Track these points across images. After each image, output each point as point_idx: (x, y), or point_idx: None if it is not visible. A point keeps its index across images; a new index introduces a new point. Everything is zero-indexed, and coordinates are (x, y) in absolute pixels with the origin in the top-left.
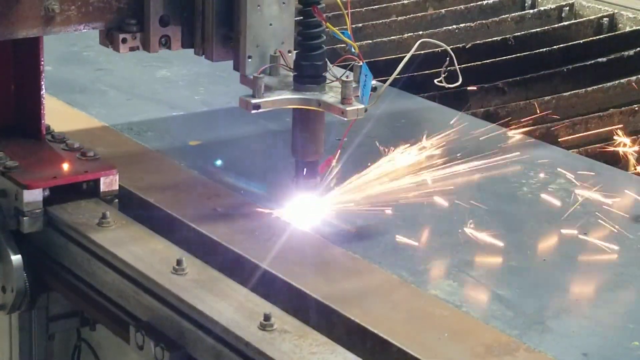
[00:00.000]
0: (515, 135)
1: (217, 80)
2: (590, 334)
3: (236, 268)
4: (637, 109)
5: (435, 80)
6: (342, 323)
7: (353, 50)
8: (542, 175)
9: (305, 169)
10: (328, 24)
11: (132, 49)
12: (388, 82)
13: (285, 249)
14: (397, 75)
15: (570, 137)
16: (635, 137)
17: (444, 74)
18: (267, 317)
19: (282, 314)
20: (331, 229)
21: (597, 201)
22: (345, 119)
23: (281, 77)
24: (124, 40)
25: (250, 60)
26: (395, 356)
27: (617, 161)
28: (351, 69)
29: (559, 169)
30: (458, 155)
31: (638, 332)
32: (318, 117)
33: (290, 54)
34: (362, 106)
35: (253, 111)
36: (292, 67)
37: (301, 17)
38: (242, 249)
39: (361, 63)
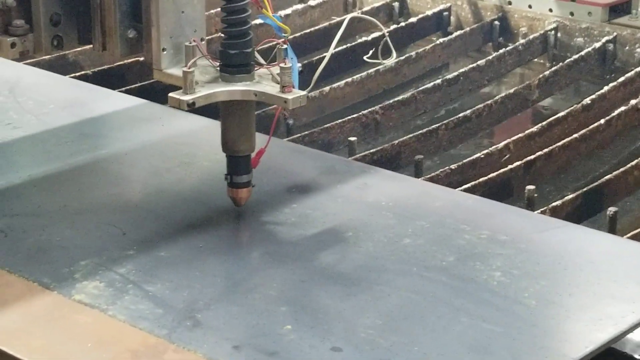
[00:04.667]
0: None
1: None
2: (241, 323)
3: None
4: None
5: (365, 57)
6: None
7: (283, 33)
8: None
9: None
10: (266, 6)
11: (22, 53)
12: (325, 61)
13: None
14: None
15: None
16: None
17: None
18: None
19: None
20: None
21: None
22: (290, 108)
23: (201, 69)
24: (13, 45)
25: (165, 52)
26: None
27: None
28: (274, 55)
29: None
30: None
31: (290, 314)
32: (249, 108)
33: (203, 42)
34: (304, 93)
35: (187, 109)
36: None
37: (225, 2)
38: None
39: (285, 46)
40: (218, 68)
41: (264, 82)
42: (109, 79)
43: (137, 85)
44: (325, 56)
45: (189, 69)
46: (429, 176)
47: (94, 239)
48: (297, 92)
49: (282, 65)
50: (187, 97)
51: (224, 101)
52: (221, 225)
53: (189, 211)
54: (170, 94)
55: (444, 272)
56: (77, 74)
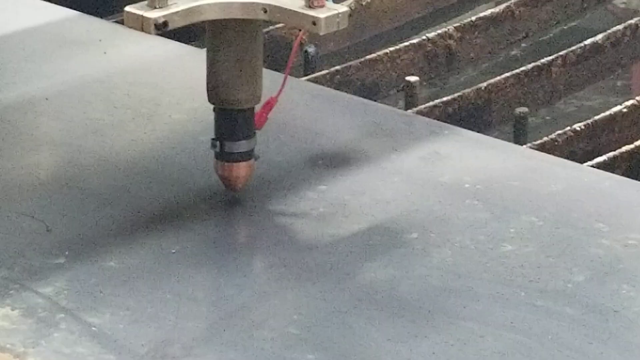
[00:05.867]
0: None
1: None
2: None
3: None
4: None
5: None
6: None
7: None
8: None
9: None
10: None
11: None
12: None
13: None
14: None
15: None
16: None
17: None
18: None
19: None
20: None
21: None
22: (321, 32)
23: None
24: None
25: None
26: None
27: None
28: None
29: None
30: None
31: None
32: (254, 33)
33: None
34: (345, 9)
35: (155, 32)
36: None
37: None
38: None
39: None
40: None
41: None
42: None
43: None
44: None
45: None
46: (538, 142)
47: (0, 238)
48: (333, 7)
49: None
50: (156, 14)
51: (213, 21)
52: (206, 220)
53: (153, 196)
54: (128, 8)
55: (569, 300)
56: None
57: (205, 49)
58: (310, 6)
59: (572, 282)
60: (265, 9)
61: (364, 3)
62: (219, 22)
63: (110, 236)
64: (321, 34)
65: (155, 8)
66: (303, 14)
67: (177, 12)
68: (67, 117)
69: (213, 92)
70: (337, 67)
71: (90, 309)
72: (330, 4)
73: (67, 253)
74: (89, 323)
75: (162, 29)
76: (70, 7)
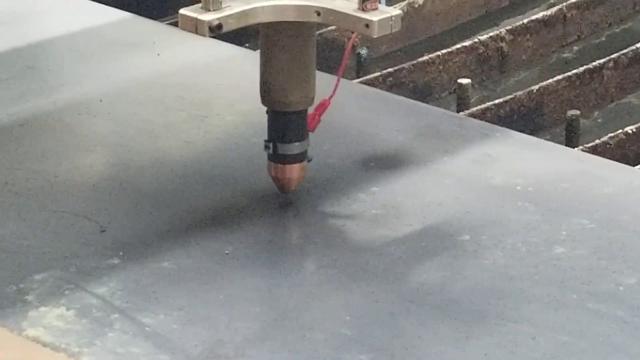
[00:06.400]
0: None
1: None
2: None
3: None
4: None
5: None
6: None
7: None
8: None
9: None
10: None
11: None
12: None
13: None
14: None
15: None
16: None
17: None
18: None
19: None
20: None
21: None
22: (374, 35)
23: None
24: None
25: None
26: None
27: None
28: None
29: None
30: None
31: None
32: (308, 35)
33: None
34: (398, 12)
35: (209, 35)
36: None
37: None
38: None
39: None
40: None
41: None
42: None
43: None
44: None
45: None
46: (590, 144)
47: (55, 239)
48: (386, 10)
49: None
50: (210, 16)
51: (267, 23)
52: (259, 222)
53: (207, 197)
54: (182, 11)
55: (620, 302)
56: None
57: (257, 51)
58: (363, 9)
59: (623, 285)
60: (318, 11)
61: (416, 6)
62: (272, 25)
63: (163, 237)
64: (374, 37)
65: (209, 11)
66: (356, 16)
67: (231, 14)
68: (121, 118)
69: (266, 94)
70: (390, 70)
71: (144, 310)
72: (383, 7)
73: (121, 253)
74: (143, 323)
75: (217, 32)
76: (124, 9)
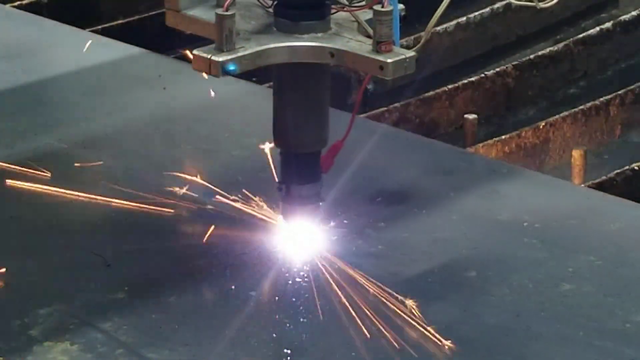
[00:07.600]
0: None
1: None
2: None
3: None
4: None
5: None
6: None
7: None
8: None
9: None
10: None
11: None
12: (437, 15)
13: None
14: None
15: None
16: None
17: None
18: None
19: None
20: None
21: None
22: (389, 77)
23: (244, 11)
24: None
25: None
26: None
27: None
28: None
29: None
30: None
31: None
32: (322, 76)
33: None
34: (412, 53)
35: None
36: None
37: None
38: None
39: None
40: (271, 10)
41: (345, 35)
42: (74, 10)
43: (119, 22)
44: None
45: (225, 10)
46: (597, 181)
47: (60, 273)
48: (401, 52)
49: (376, 7)
50: (224, 57)
51: (281, 64)
52: (264, 258)
53: (214, 234)
54: (196, 52)
55: (628, 340)
56: (24, 0)
57: (264, 86)
58: (377, 50)
59: (630, 322)
60: (332, 53)
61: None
62: (286, 66)
63: (169, 272)
64: (388, 79)
65: (222, 52)
66: (370, 58)
67: (245, 55)
68: (127, 152)
69: (280, 136)
70: (396, 104)
71: (149, 345)
72: (397, 49)
73: (126, 288)
74: (148, 358)
75: (230, 73)
76: (131, 44)
